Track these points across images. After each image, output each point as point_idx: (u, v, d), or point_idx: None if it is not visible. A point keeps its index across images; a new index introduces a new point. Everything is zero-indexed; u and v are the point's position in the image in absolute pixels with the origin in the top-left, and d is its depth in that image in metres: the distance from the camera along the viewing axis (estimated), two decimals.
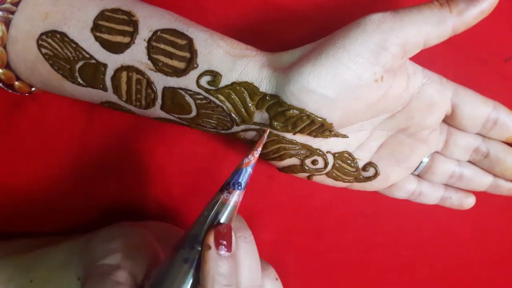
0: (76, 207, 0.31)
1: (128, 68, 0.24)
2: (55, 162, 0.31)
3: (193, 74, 0.24)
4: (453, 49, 0.30)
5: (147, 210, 0.31)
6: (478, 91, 0.31)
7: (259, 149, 0.24)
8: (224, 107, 0.24)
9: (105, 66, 0.24)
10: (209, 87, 0.24)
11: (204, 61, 0.24)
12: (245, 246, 0.22)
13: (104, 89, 0.25)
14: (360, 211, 0.32)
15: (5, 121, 0.30)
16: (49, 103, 0.30)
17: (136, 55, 0.24)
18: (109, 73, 0.24)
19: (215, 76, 0.24)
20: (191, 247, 0.21)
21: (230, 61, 0.24)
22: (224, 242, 0.20)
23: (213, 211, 0.22)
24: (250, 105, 0.24)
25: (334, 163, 0.27)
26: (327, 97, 0.23)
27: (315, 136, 0.25)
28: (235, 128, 0.25)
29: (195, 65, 0.24)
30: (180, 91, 0.24)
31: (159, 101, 0.25)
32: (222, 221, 0.22)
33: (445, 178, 0.29)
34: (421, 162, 0.29)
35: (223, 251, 0.20)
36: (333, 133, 0.25)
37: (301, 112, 0.24)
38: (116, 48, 0.24)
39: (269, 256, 0.31)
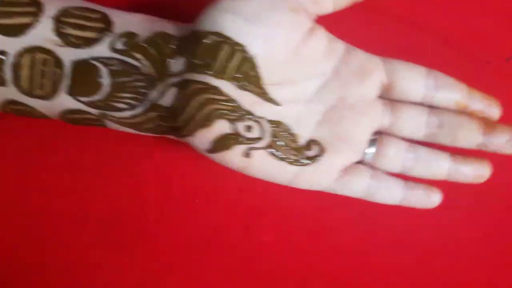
0: (76, 209, 0.31)
1: (32, 50, 0.22)
2: (53, 163, 0.31)
3: (107, 40, 0.22)
4: (453, 49, 0.30)
5: (146, 213, 0.31)
6: (480, 91, 0.31)
7: None
8: (140, 66, 0.23)
9: (4, 53, 0.22)
10: (124, 48, 0.22)
11: (120, 28, 0.23)
12: None
13: (2, 83, 0.22)
14: (360, 212, 0.32)
15: (5, 120, 0.30)
16: None
17: (42, 33, 0.22)
18: (9, 61, 0.22)
19: (130, 35, 0.22)
20: None
21: (148, 23, 0.23)
22: None
23: None
24: (167, 53, 0.23)
25: (271, 133, 0.24)
26: (243, 17, 0.22)
27: (242, 86, 0.23)
28: (153, 96, 0.23)
29: (111, 32, 0.22)
30: (92, 62, 0.22)
31: (66, 81, 0.22)
32: None
33: (399, 161, 0.27)
34: (368, 146, 0.27)
35: None
36: (262, 91, 0.24)
37: (218, 37, 0.22)
38: (15, 30, 0.21)
39: (268, 256, 0.31)
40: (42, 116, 0.24)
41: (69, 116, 0.24)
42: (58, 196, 0.31)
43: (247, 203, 0.32)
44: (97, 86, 0.23)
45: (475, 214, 0.32)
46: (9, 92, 0.23)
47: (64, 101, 0.23)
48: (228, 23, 0.22)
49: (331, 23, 0.30)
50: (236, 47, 0.22)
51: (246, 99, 0.24)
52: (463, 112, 0.27)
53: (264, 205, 0.32)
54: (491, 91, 0.31)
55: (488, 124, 0.27)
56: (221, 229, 0.31)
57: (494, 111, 0.27)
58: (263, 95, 0.24)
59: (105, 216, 0.31)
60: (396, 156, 0.27)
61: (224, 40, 0.22)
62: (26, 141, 0.31)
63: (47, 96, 0.23)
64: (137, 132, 0.25)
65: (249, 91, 0.24)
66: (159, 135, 0.26)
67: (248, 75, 0.23)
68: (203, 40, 0.22)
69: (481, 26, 0.31)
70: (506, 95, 0.31)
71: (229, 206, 0.32)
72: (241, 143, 0.24)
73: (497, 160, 0.32)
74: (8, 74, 0.22)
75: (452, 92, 0.27)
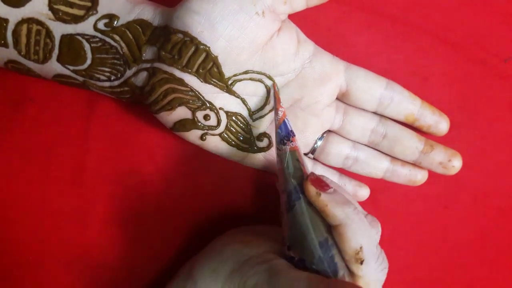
0: (76, 208, 0.31)
1: (29, 20, 0.25)
2: (54, 163, 0.31)
3: (92, 19, 0.25)
4: (453, 49, 0.31)
5: (147, 211, 0.31)
6: (478, 91, 0.31)
7: (279, 101, 0.26)
8: (118, 48, 0.25)
9: (6, 21, 0.25)
10: (105, 28, 0.25)
11: (104, 8, 0.25)
12: (334, 185, 0.24)
13: (5, 45, 0.25)
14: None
15: (5, 121, 0.30)
16: (47, 105, 0.30)
17: (37, 6, 0.25)
18: (10, 27, 0.25)
19: (111, 17, 0.25)
20: (298, 198, 0.23)
21: (130, 7, 0.26)
22: (323, 184, 0.23)
23: (291, 161, 0.24)
24: (142, 39, 0.25)
25: (227, 123, 0.27)
26: (209, 19, 0.24)
27: (204, 79, 0.26)
28: (127, 73, 0.26)
29: (95, 12, 0.25)
30: (77, 37, 0.25)
31: (56, 51, 0.25)
32: (304, 163, 0.25)
33: (340, 160, 0.30)
34: (316, 142, 0.29)
35: (329, 190, 0.23)
36: (224, 85, 0.26)
37: (185, 36, 0.24)
38: (17, 2, 0.24)
39: None
40: (38, 76, 0.27)
41: (59, 79, 0.27)
42: (59, 196, 0.31)
43: (247, 203, 0.32)
44: (81, 58, 0.26)
45: (475, 214, 0.32)
46: (10, 53, 0.26)
47: (54, 67, 0.26)
48: (195, 24, 0.24)
49: (330, 23, 0.30)
50: (200, 47, 0.25)
51: (208, 90, 0.26)
52: (411, 125, 0.30)
53: (264, 205, 0.32)
54: (489, 91, 0.31)
55: (428, 144, 0.29)
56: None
57: (442, 126, 0.30)
58: (225, 88, 0.26)
59: (106, 216, 0.31)
60: (338, 155, 0.30)
61: (190, 39, 0.24)
62: (27, 143, 0.31)
63: (41, 61, 0.26)
64: (117, 97, 0.28)
65: (211, 84, 0.26)
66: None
67: (211, 71, 0.26)
68: (172, 37, 0.25)
69: (480, 27, 0.31)
70: (504, 95, 0.32)
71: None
72: (198, 128, 0.27)
73: (497, 160, 0.32)
74: (9, 38, 0.25)
75: (404, 106, 0.29)
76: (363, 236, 0.22)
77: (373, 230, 0.24)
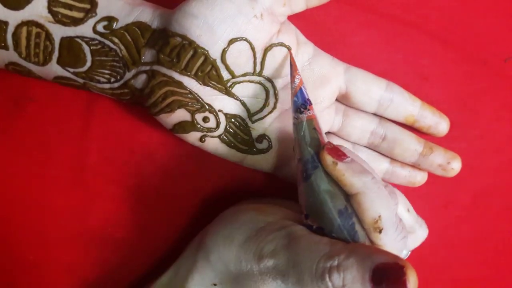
0: (76, 208, 0.31)
1: (28, 23, 0.25)
2: (54, 163, 0.31)
3: (91, 22, 0.25)
4: (452, 49, 0.30)
5: (147, 211, 0.31)
6: (478, 91, 0.31)
7: (296, 69, 0.25)
8: (118, 50, 0.26)
9: (6, 23, 0.25)
10: (104, 31, 0.25)
11: (103, 10, 0.25)
12: (352, 154, 0.23)
13: (6, 47, 0.25)
14: None
15: (5, 121, 0.30)
16: (48, 104, 0.30)
17: (37, 9, 0.25)
18: (10, 30, 0.25)
19: (110, 20, 0.25)
20: (316, 167, 0.23)
21: (128, 9, 0.26)
22: (340, 153, 0.22)
23: (308, 130, 0.24)
24: (141, 42, 0.25)
25: (226, 125, 0.27)
26: (208, 23, 0.24)
27: (203, 82, 0.26)
28: (127, 75, 0.26)
29: (94, 14, 0.25)
30: (76, 39, 0.25)
31: (56, 53, 0.26)
32: (322, 133, 0.24)
33: None
34: None
35: (346, 159, 0.22)
36: (223, 87, 0.26)
37: (184, 39, 0.24)
38: (16, 4, 0.25)
39: None
40: (39, 78, 0.27)
41: (59, 80, 0.27)
42: (59, 196, 0.31)
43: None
44: (81, 61, 0.26)
45: (475, 214, 0.32)
46: (11, 56, 0.26)
47: (55, 69, 0.26)
48: (193, 27, 0.24)
49: (330, 23, 0.30)
50: (199, 50, 0.25)
51: (207, 93, 0.26)
52: (411, 126, 0.30)
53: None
54: (489, 91, 0.31)
55: (427, 146, 0.29)
56: None
57: (442, 127, 0.30)
58: (224, 90, 0.26)
59: (106, 216, 0.31)
60: None
61: (188, 43, 0.25)
62: (26, 144, 0.31)
63: (41, 63, 0.26)
64: (117, 99, 0.28)
65: (210, 86, 0.26)
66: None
67: (210, 74, 0.26)
68: (171, 40, 0.25)
69: (480, 27, 0.31)
70: (504, 95, 0.31)
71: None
72: (198, 130, 0.27)
73: (497, 160, 0.32)
74: (9, 41, 0.25)
75: (404, 107, 0.29)
76: (381, 205, 0.22)
77: (392, 200, 0.23)
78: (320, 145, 0.24)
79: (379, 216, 0.22)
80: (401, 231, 0.23)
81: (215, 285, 0.23)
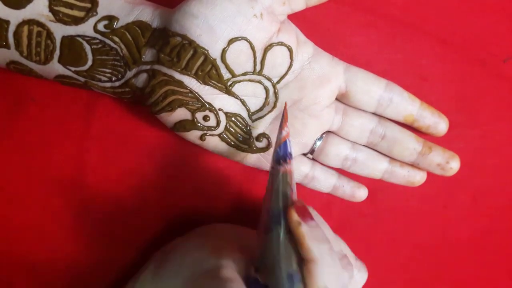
0: (76, 208, 0.31)
1: (29, 22, 0.25)
2: (54, 163, 0.31)
3: (91, 21, 0.25)
4: (452, 49, 0.31)
5: (147, 210, 0.31)
6: (477, 91, 0.31)
7: (287, 121, 0.25)
8: (118, 49, 0.26)
9: (7, 22, 0.25)
10: (105, 30, 0.25)
11: (103, 9, 0.25)
12: (318, 218, 0.23)
13: (7, 46, 0.25)
14: (359, 211, 0.32)
15: (5, 120, 0.30)
16: (48, 104, 0.30)
17: (38, 8, 0.25)
18: (12, 29, 0.25)
19: (111, 19, 0.25)
20: (279, 223, 0.23)
21: (129, 8, 0.26)
22: (307, 214, 0.22)
23: (281, 184, 0.24)
24: (142, 41, 0.26)
25: (226, 124, 0.28)
26: (207, 22, 0.24)
27: (203, 81, 0.26)
28: (128, 74, 0.26)
29: (94, 13, 0.25)
30: (77, 38, 0.25)
31: (57, 52, 0.26)
32: (293, 189, 0.24)
33: (339, 161, 0.30)
34: (315, 143, 0.29)
35: (311, 222, 0.22)
36: (223, 86, 0.26)
37: (184, 39, 0.25)
38: (17, 3, 0.25)
39: None
40: (40, 77, 0.27)
41: (61, 79, 0.27)
42: (59, 196, 0.31)
43: (247, 203, 0.32)
44: (82, 59, 0.26)
45: (474, 214, 0.32)
46: (12, 55, 0.26)
47: (56, 68, 0.26)
48: (193, 27, 0.24)
49: (330, 23, 0.30)
50: (199, 50, 0.25)
51: (207, 92, 0.26)
52: (411, 126, 0.30)
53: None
54: (488, 91, 0.31)
55: (426, 145, 0.29)
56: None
57: (441, 127, 0.30)
58: (224, 89, 0.27)
59: (106, 215, 0.31)
60: (337, 155, 0.30)
61: (188, 42, 0.25)
62: (27, 143, 0.31)
63: (42, 62, 0.26)
64: (118, 97, 0.28)
65: (210, 86, 0.26)
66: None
67: (210, 73, 0.26)
68: (171, 40, 0.25)
69: (479, 28, 0.31)
70: (504, 95, 0.32)
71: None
72: (198, 128, 0.27)
73: (496, 160, 0.32)
74: (11, 39, 0.25)
75: (403, 107, 0.29)
76: (330, 278, 0.21)
77: (345, 274, 0.23)
78: (289, 201, 0.23)
79: None
80: None
81: None
